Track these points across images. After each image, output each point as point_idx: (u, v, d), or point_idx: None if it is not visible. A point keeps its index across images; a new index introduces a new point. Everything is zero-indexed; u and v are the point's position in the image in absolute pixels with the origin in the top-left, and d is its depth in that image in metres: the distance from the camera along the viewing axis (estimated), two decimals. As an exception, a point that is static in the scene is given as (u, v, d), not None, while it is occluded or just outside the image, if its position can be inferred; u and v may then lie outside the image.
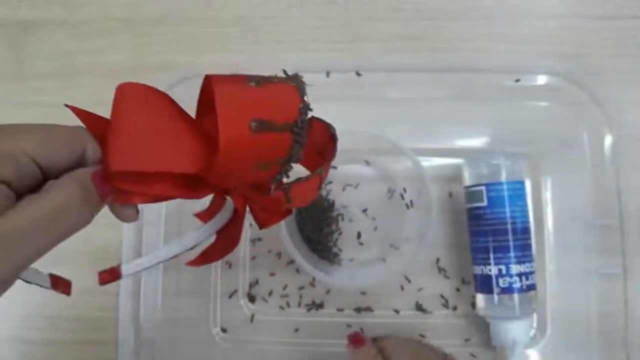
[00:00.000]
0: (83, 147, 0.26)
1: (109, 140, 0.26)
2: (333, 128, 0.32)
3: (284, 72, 0.29)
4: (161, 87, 0.49)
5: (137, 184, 0.27)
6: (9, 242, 0.22)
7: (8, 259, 0.22)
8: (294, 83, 0.27)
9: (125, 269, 0.28)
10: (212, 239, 0.32)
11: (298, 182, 0.29)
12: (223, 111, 0.25)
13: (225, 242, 0.32)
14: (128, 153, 0.25)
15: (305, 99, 0.27)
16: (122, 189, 0.27)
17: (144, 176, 0.26)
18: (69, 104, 0.56)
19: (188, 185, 0.28)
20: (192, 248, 0.30)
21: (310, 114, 0.28)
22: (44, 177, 0.25)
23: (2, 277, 0.22)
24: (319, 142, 0.32)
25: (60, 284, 0.28)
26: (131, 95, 0.27)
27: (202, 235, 0.30)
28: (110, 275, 0.27)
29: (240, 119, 0.25)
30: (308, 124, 0.30)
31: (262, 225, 0.32)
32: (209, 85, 0.26)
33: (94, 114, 0.27)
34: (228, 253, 0.33)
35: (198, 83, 0.54)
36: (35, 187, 0.24)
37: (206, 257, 0.33)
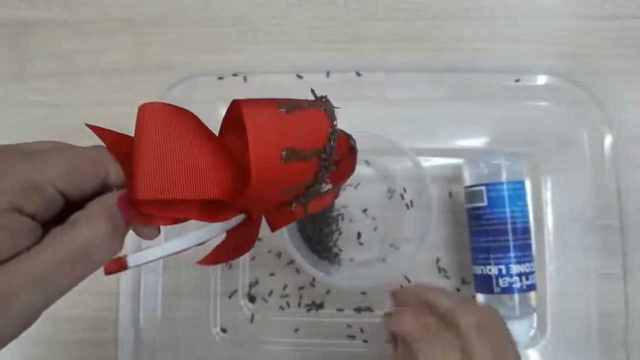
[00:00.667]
0: (106, 170, 0.25)
1: (134, 167, 0.25)
2: (353, 140, 0.31)
3: (312, 92, 0.28)
4: (161, 87, 0.50)
5: (165, 208, 0.26)
6: (35, 282, 0.21)
7: (33, 299, 0.21)
8: (324, 107, 0.27)
9: (131, 260, 0.27)
10: (222, 237, 0.31)
11: (317, 197, 0.29)
12: (255, 142, 0.24)
13: (236, 244, 0.32)
14: (155, 181, 0.24)
15: (335, 123, 0.27)
16: (146, 213, 0.26)
17: (171, 201, 0.26)
18: (69, 103, 0.56)
19: (210, 208, 0.28)
20: (200, 244, 0.29)
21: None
22: (66, 203, 0.24)
23: (27, 315, 0.22)
24: (338, 154, 0.31)
25: None
26: (155, 117, 0.26)
27: (212, 232, 0.29)
28: (116, 265, 0.27)
29: (271, 149, 0.25)
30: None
31: (274, 228, 0.31)
32: (238, 110, 0.25)
33: (115, 132, 0.27)
34: (239, 256, 0.33)
35: (198, 83, 0.54)
36: (58, 215, 0.24)
37: (216, 257, 0.32)
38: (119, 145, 0.26)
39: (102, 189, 0.25)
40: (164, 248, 0.28)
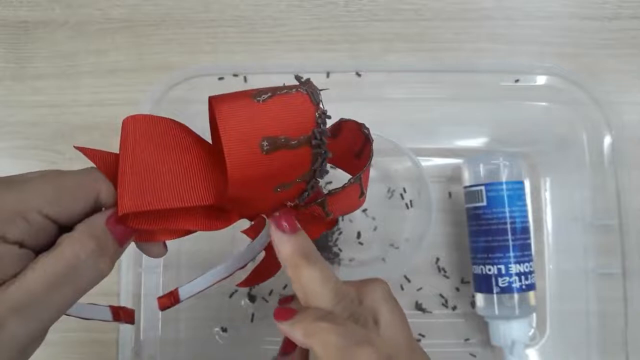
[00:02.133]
0: (97, 192, 0.24)
1: (118, 183, 0.24)
2: (366, 128, 0.29)
3: (296, 77, 0.27)
4: (161, 88, 0.50)
5: (157, 222, 0.25)
6: (24, 307, 0.21)
7: (20, 326, 0.21)
8: (305, 89, 0.25)
9: (182, 293, 0.28)
10: (262, 255, 0.31)
11: (333, 193, 0.28)
12: (227, 134, 0.23)
13: (271, 260, 0.31)
14: (133, 194, 0.24)
15: (321, 105, 0.25)
16: (142, 229, 0.25)
17: (162, 213, 0.25)
18: (69, 103, 0.56)
19: (213, 215, 0.27)
20: (242, 267, 0.29)
21: (334, 119, 0.26)
22: (59, 228, 0.24)
23: (15, 344, 0.22)
24: (355, 144, 0.30)
25: (121, 314, 0.28)
26: (137, 130, 0.25)
27: (252, 252, 0.29)
28: (170, 299, 0.27)
29: (248, 140, 0.23)
30: (336, 129, 0.28)
31: (311, 236, 0.30)
32: (211, 107, 0.24)
33: (106, 152, 0.26)
34: (275, 273, 0.32)
35: (198, 83, 0.54)
36: (52, 241, 0.23)
37: (256, 277, 0.32)
38: (111, 166, 0.25)
39: (95, 211, 0.25)
40: (210, 275, 0.29)
